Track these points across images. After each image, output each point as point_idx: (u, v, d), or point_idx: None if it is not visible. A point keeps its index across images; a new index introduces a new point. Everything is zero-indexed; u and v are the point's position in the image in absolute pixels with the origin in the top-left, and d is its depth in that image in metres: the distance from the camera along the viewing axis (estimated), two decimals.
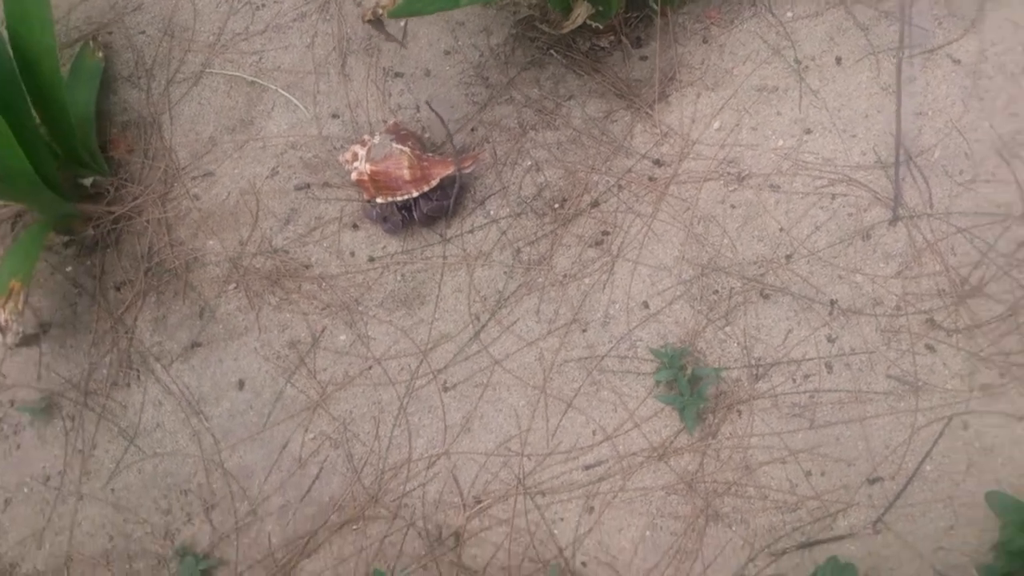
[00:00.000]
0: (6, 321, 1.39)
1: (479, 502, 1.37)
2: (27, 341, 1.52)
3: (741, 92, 1.53)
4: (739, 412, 1.36)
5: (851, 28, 1.54)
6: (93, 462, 1.46)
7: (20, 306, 1.40)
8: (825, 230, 1.43)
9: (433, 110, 1.43)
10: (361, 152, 1.47)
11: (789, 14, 1.56)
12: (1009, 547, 1.14)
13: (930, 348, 1.36)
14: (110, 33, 1.70)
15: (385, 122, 1.57)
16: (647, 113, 1.53)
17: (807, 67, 1.53)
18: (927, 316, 1.37)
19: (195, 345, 1.50)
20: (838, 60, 1.52)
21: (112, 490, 1.45)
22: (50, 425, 1.49)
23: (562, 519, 1.35)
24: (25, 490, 1.48)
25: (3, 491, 1.47)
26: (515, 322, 1.44)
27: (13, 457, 1.48)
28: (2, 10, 1.58)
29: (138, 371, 1.50)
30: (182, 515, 1.42)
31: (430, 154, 1.48)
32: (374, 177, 1.44)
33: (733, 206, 1.46)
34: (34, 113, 1.49)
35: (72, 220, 1.57)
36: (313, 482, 1.41)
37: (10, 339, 1.40)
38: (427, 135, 1.56)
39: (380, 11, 1.17)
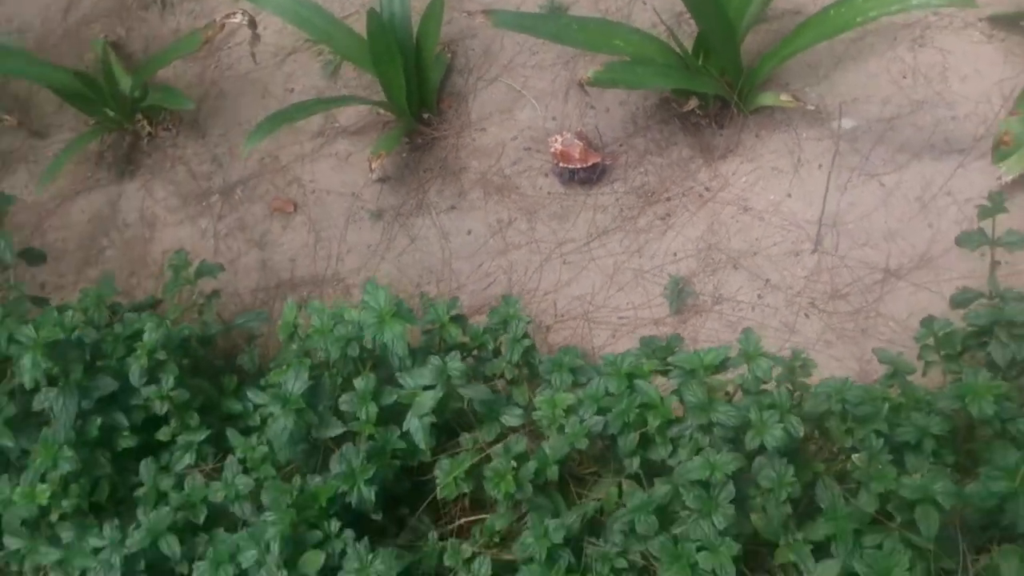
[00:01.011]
0: (374, 168, 2.88)
1: (563, 317, 2.77)
2: (379, 180, 3.04)
3: (763, 167, 2.85)
4: (701, 315, 2.69)
5: (833, 151, 2.84)
6: (392, 245, 2.94)
7: (383, 163, 2.90)
8: (778, 246, 2.74)
9: (598, 131, 2.86)
10: (559, 139, 2.89)
11: (804, 135, 2.87)
12: None
13: (806, 316, 2.65)
14: (456, 46, 3.20)
15: (576, 129, 2.99)
16: (711, 163, 2.89)
17: (803, 164, 2.83)
18: (811, 300, 2.65)
19: (453, 208, 2.96)
20: (820, 166, 2.82)
21: (398, 260, 2.92)
22: (377, 223, 2.98)
23: (598, 336, 2.72)
24: (357, 249, 2.97)
25: (347, 245, 2.97)
26: (608, 242, 2.83)
27: (357, 231, 2.97)
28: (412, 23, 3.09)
29: (423, 212, 2.98)
30: (425, 280, 2.88)
31: (592, 150, 2.89)
32: (561, 153, 2.86)
33: (737, 221, 2.79)
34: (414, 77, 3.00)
35: (413, 132, 3.06)
36: (490, 284, 2.85)
37: (374, 176, 2.91)
38: (596, 140, 2.97)
39: (584, 81, 2.61)
